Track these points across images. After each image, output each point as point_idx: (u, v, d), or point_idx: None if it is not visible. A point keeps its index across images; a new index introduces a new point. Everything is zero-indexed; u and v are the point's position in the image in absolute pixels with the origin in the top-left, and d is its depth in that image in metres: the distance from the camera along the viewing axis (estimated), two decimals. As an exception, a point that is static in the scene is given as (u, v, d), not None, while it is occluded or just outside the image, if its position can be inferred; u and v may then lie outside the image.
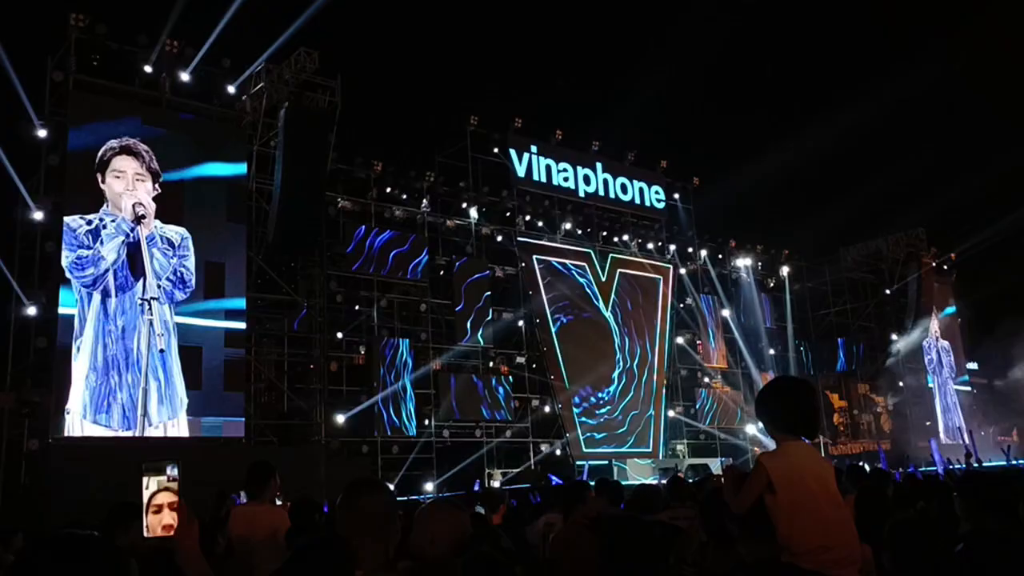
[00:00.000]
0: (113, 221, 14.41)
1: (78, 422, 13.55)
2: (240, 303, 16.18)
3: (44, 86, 14.96)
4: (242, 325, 16.17)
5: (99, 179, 14.45)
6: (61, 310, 13.76)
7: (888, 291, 30.73)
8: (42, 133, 14.83)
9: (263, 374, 17.62)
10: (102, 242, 14.14)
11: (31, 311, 14.09)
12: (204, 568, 2.02)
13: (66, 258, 13.86)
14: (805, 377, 29.08)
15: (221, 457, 13.02)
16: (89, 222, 14.13)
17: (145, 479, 2.12)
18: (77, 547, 1.57)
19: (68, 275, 13.81)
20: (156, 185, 15.05)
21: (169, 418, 14.39)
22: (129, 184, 14.67)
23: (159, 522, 2.05)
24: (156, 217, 14.94)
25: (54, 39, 15.26)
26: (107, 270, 14.10)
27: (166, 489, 2.12)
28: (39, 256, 14.41)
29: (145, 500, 2.13)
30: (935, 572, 3.06)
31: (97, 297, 13.95)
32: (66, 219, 13.99)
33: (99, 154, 14.52)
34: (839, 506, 2.56)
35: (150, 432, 14.15)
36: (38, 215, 14.44)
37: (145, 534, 2.08)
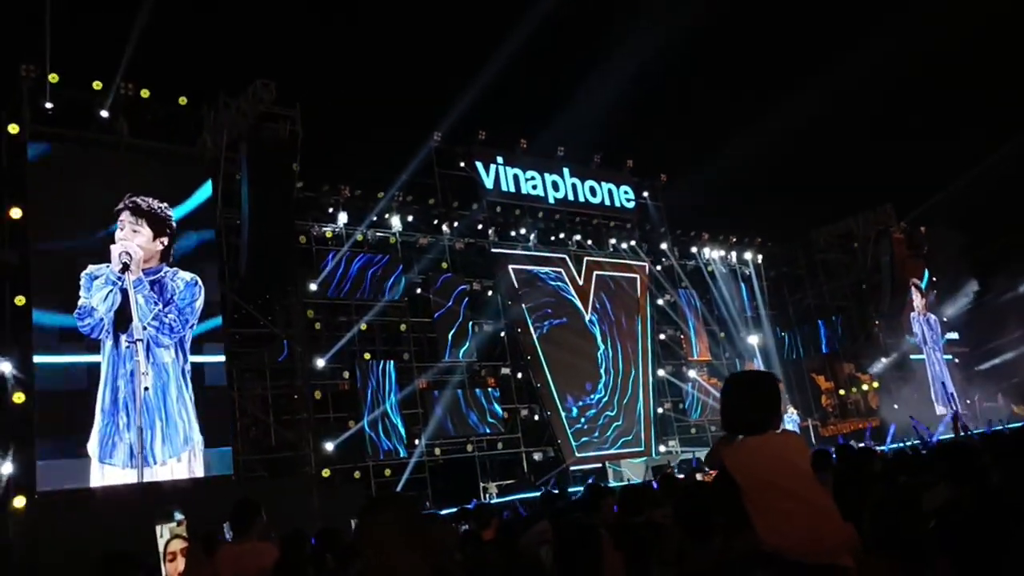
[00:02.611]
0: (104, 271, 14.80)
1: (96, 466, 13.91)
2: (218, 343, 16.08)
3: (-1, 140, 14.85)
4: (221, 359, 16.06)
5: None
6: (70, 358, 14.12)
7: (862, 269, 31.03)
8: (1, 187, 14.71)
9: (248, 409, 17.48)
10: (92, 292, 14.54)
11: (4, 368, 13.92)
12: None
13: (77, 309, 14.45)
14: (791, 362, 29.36)
15: (211, 496, 12.89)
16: (92, 275, 14.62)
17: (158, 528, 2.11)
18: None
19: (77, 325, 14.39)
20: (163, 239, 15.53)
21: (170, 456, 14.60)
22: (125, 235, 15.10)
23: (175, 569, 2.05)
24: (175, 265, 15.57)
25: (5, 91, 15.15)
26: (101, 319, 14.52)
27: (177, 536, 2.12)
28: (8, 310, 14.25)
29: (161, 549, 2.12)
30: (915, 544, 3.09)
31: (109, 343, 14.48)
32: (91, 267, 14.61)
33: (113, 214, 15.10)
34: (811, 494, 2.54)
35: (158, 470, 14.38)
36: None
37: None
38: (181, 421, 14.87)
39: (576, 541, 2.65)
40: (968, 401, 30.50)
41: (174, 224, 15.73)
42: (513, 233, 23.79)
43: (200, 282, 15.76)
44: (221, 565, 4.83)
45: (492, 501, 18.28)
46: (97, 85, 15.70)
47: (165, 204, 15.63)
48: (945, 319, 33.28)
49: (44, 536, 12.52)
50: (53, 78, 15.10)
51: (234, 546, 4.93)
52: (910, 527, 3.18)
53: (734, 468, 2.55)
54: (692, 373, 26.27)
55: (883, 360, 30.20)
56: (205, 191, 16.61)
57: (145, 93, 16.04)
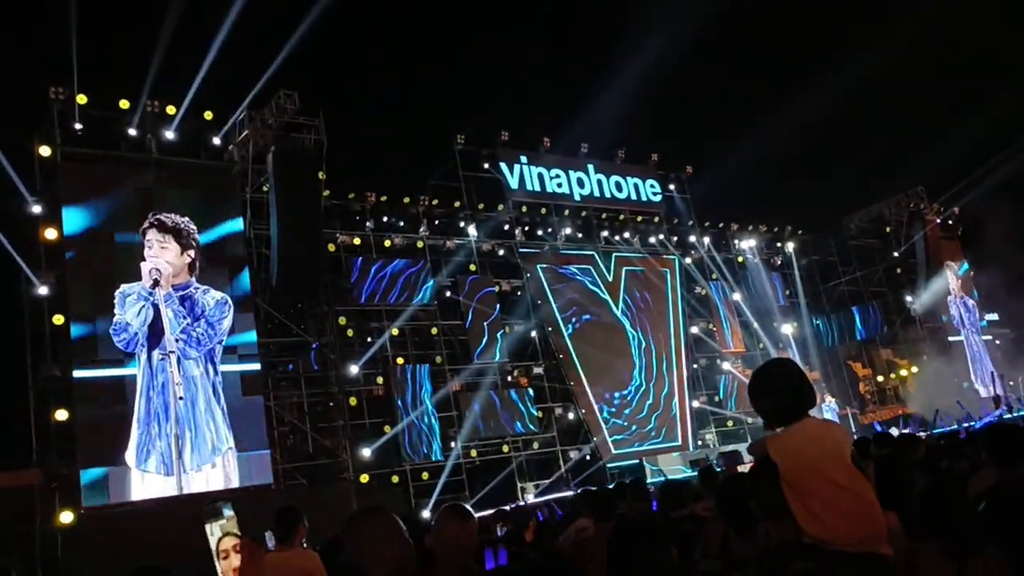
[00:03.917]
0: (136, 288, 15.17)
1: (136, 476, 14.33)
2: (252, 347, 16.30)
3: (32, 162, 15.12)
4: (256, 366, 16.27)
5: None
6: (109, 372, 14.50)
7: (896, 253, 30.57)
8: (36, 209, 14.99)
9: (285, 417, 17.65)
10: (125, 308, 14.94)
11: (47, 385, 14.21)
12: None
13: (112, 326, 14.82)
14: (826, 350, 29.00)
15: (252, 505, 13.02)
16: (124, 293, 15.01)
17: (208, 527, 2.18)
18: None
19: (113, 341, 14.78)
20: (189, 252, 15.81)
21: (199, 465, 14.95)
22: (154, 252, 15.47)
23: (230, 567, 2.11)
24: (203, 282, 15.87)
25: (36, 114, 15.44)
26: (136, 333, 14.93)
27: (228, 533, 2.18)
28: (48, 330, 14.53)
29: (213, 548, 2.18)
30: (962, 530, 3.03)
31: (144, 357, 14.90)
32: (124, 286, 14.99)
33: (140, 233, 15.45)
34: (853, 482, 2.50)
35: (194, 476, 14.78)
36: (43, 290, 14.57)
37: None
38: (209, 431, 15.24)
39: (639, 539, 2.68)
40: (1012, 383, 29.91)
41: (198, 238, 15.95)
42: (540, 232, 23.80)
43: (230, 301, 16.04)
44: (266, 573, 4.87)
45: (530, 501, 18.27)
46: (124, 104, 15.93)
47: (187, 219, 15.85)
48: (984, 299, 32.62)
49: (91, 551, 12.72)
50: (81, 99, 15.35)
51: (278, 554, 4.97)
52: (957, 513, 3.12)
53: (777, 454, 2.51)
54: (726, 365, 26.06)
55: (922, 344, 29.74)
56: (234, 204, 16.88)
57: (171, 110, 16.26)
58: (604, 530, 4.35)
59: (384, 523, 2.31)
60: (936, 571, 2.90)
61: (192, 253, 15.86)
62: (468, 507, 3.06)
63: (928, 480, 3.51)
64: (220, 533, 2.16)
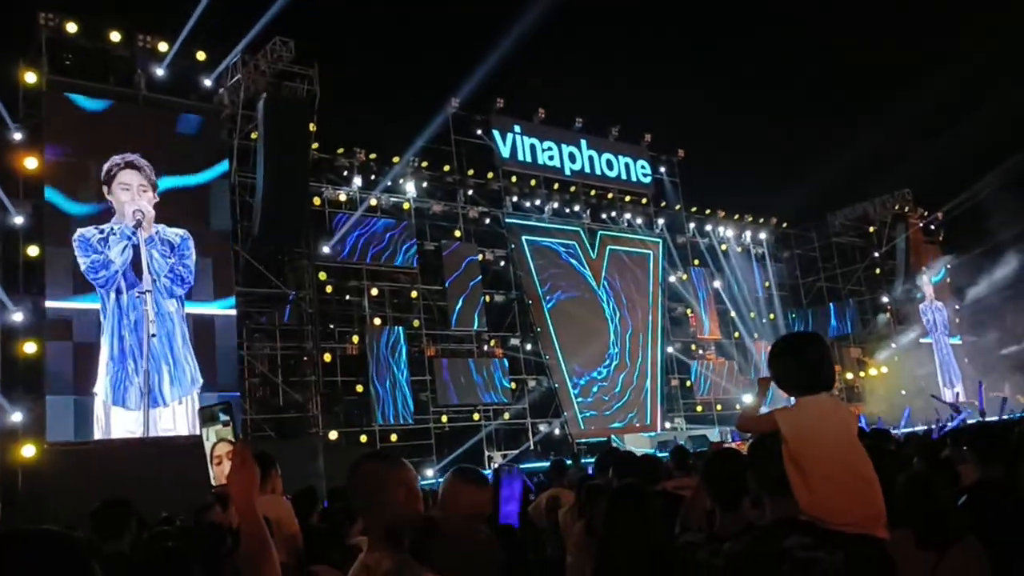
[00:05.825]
0: (118, 228, 15.08)
1: (102, 407, 14.38)
2: (230, 299, 16.14)
3: (16, 89, 14.76)
4: (232, 312, 16.14)
5: (105, 190, 15.17)
6: (84, 305, 14.47)
7: (877, 254, 30.80)
8: (17, 136, 14.66)
9: (257, 368, 17.53)
10: (109, 247, 14.88)
11: (17, 317, 13.97)
12: (255, 517, 1.92)
13: (83, 264, 14.65)
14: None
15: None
16: (101, 231, 14.94)
17: (204, 431, 2.11)
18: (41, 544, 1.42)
19: (87, 278, 14.65)
20: (156, 194, 15.65)
21: (180, 396, 15.12)
22: (135, 195, 15.37)
23: (222, 473, 2.03)
24: (161, 221, 15.61)
25: (24, 40, 15.04)
26: (116, 271, 14.91)
27: (223, 439, 2.09)
28: (22, 262, 14.28)
29: (208, 452, 2.10)
30: (943, 522, 3.04)
31: (113, 295, 14.89)
32: (80, 230, 14.71)
33: (105, 169, 15.13)
34: (861, 462, 2.47)
35: (160, 413, 14.83)
36: (18, 220, 14.30)
37: (213, 482, 2.04)
38: (188, 364, 15.33)
39: (632, 504, 2.67)
40: (974, 389, 30.33)
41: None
42: (528, 204, 23.69)
43: (190, 235, 15.84)
44: (234, 517, 4.82)
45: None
46: (116, 37, 15.56)
47: (146, 162, 15.57)
48: (957, 307, 32.94)
49: (53, 487, 12.59)
50: (71, 27, 14.98)
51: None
52: (938, 506, 3.14)
53: (786, 426, 2.46)
54: (700, 351, 26.23)
55: (894, 346, 30.07)
56: (220, 148, 16.62)
57: (163, 47, 15.92)
58: (582, 501, 4.34)
59: (383, 474, 2.15)
60: (913, 559, 2.92)
61: (157, 197, 15.68)
62: (480, 471, 2.93)
63: (908, 473, 3.54)
64: (215, 439, 2.09)
